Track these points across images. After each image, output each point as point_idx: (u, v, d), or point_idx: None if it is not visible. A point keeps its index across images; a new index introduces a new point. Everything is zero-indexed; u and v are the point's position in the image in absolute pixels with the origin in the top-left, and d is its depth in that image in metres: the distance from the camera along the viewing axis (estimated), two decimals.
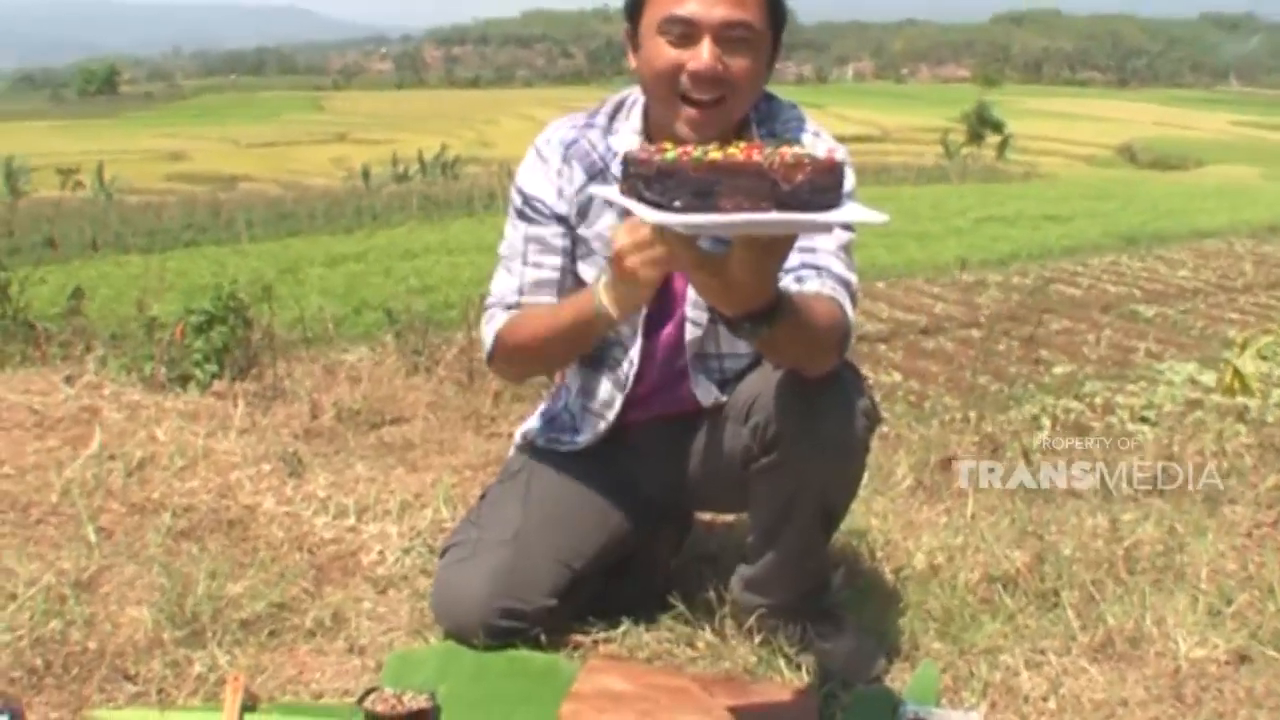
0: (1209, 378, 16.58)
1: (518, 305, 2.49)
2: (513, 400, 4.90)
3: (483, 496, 2.72)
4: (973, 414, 5.50)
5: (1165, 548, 3.16)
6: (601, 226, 2.43)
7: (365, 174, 53.39)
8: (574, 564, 2.51)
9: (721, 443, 2.47)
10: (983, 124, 62.56)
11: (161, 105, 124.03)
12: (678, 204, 1.73)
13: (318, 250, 31.09)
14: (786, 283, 2.18)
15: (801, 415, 2.27)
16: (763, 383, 2.34)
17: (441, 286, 23.01)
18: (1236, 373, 4.35)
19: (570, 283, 2.48)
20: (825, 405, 2.27)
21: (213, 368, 5.12)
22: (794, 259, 2.22)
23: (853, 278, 2.38)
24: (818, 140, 2.42)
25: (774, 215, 1.74)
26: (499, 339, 2.49)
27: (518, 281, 2.49)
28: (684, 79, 2.25)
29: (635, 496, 2.61)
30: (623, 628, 2.60)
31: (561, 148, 2.47)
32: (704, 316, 2.45)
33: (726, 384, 2.51)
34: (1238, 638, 2.62)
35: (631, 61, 2.38)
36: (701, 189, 1.73)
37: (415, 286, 22.82)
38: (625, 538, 2.60)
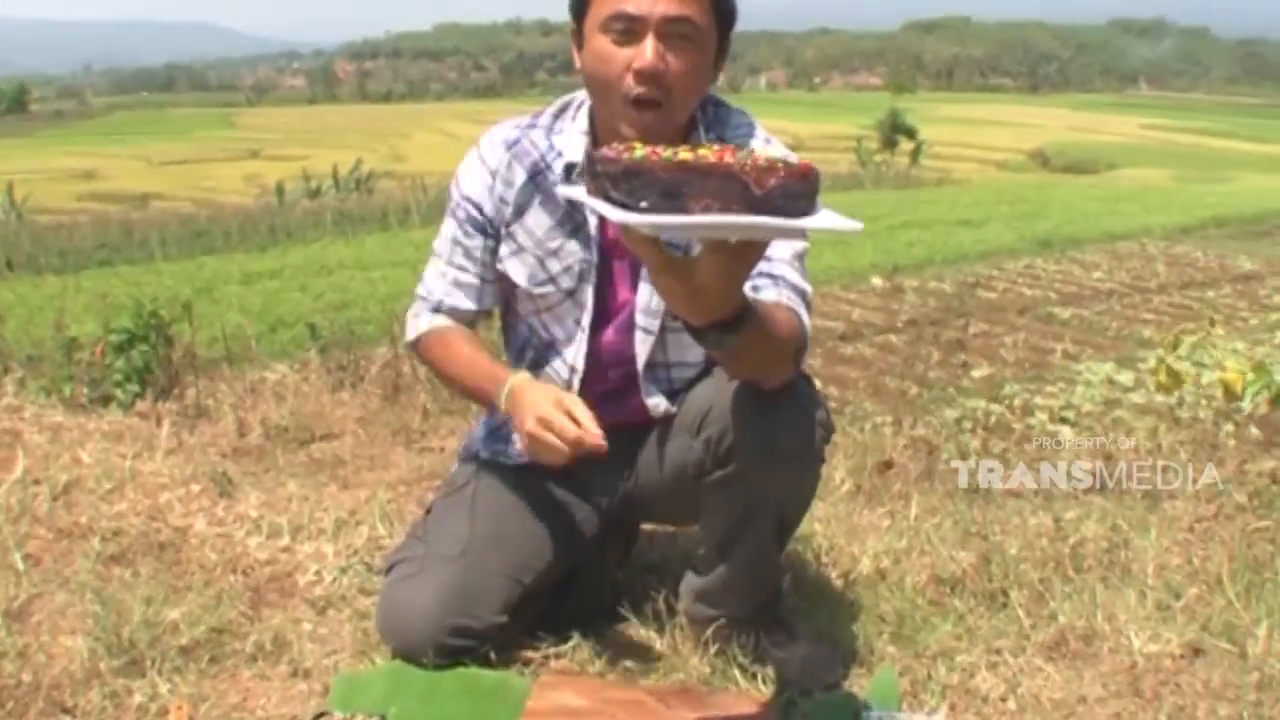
0: (1126, 377, 16.80)
1: (440, 306, 2.51)
2: (442, 414, 4.82)
3: (428, 511, 2.64)
4: (905, 419, 5.47)
5: (1110, 544, 3.15)
6: (533, 224, 2.41)
7: (279, 191, 52.79)
8: (524, 578, 2.44)
9: (671, 454, 2.42)
10: (896, 131, 63.00)
11: (72, 124, 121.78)
12: (644, 204, 1.69)
13: (233, 268, 30.62)
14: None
15: (757, 428, 2.22)
16: (715, 394, 2.29)
17: (358, 302, 22.78)
18: (1170, 370, 4.36)
19: (489, 296, 2.50)
20: (781, 417, 2.23)
21: (134, 387, 4.98)
22: None
23: (808, 287, 2.35)
24: (769, 147, 2.37)
25: (745, 218, 1.69)
26: (419, 343, 2.55)
27: (442, 282, 2.50)
28: (628, 78, 2.22)
29: (584, 507, 2.55)
30: (572, 641, 2.54)
31: (504, 147, 2.43)
32: (655, 324, 2.42)
33: (675, 394, 2.47)
34: (1189, 631, 2.61)
35: (577, 61, 2.34)
36: (670, 189, 1.68)
37: (332, 302, 22.51)
38: (574, 549, 2.54)
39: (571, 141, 2.39)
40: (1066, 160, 70.93)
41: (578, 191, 1.88)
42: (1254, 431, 4.42)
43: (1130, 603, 2.75)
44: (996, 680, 2.43)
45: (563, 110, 2.46)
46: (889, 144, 62.37)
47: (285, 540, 3.11)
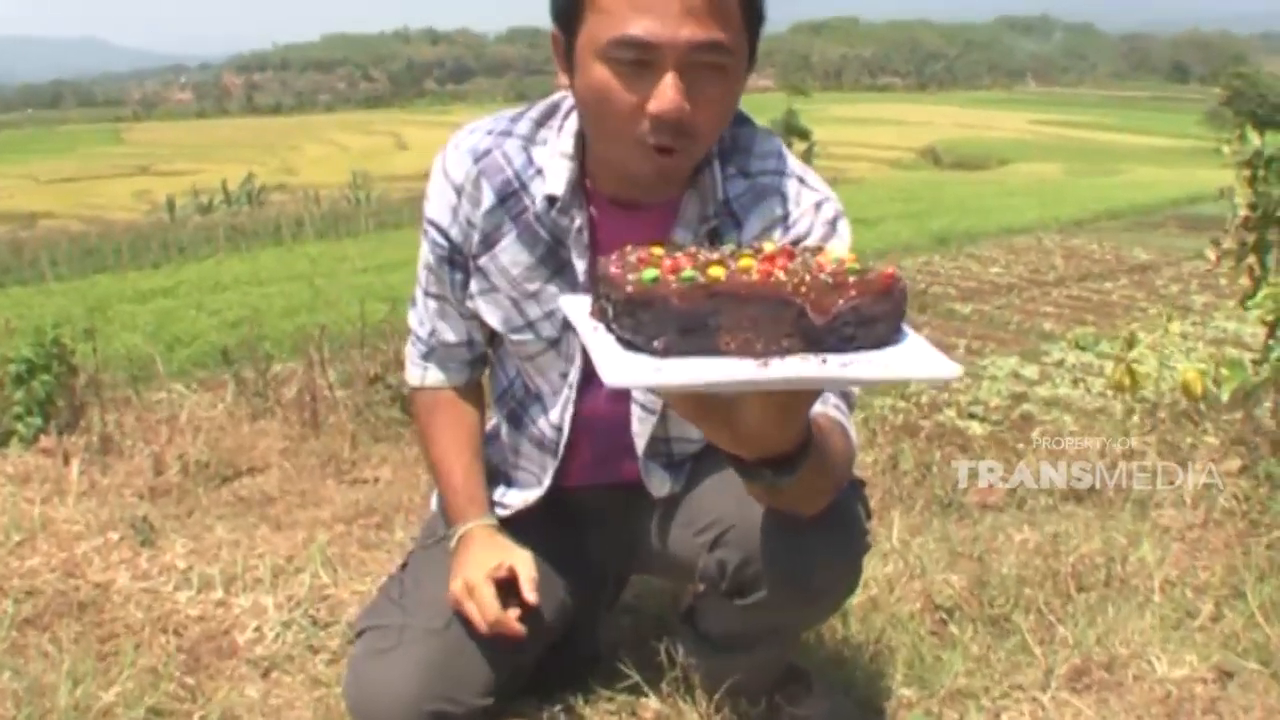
0: (1031, 371, 16.97)
1: (430, 338, 2.12)
2: (372, 441, 4.54)
3: (404, 565, 2.25)
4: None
5: (1105, 559, 2.98)
6: (506, 260, 1.97)
7: (170, 206, 51.99)
8: (516, 653, 2.08)
9: (676, 551, 2.09)
10: (790, 132, 63.45)
11: None
12: (657, 344, 1.29)
13: (125, 286, 30.13)
14: None
15: (789, 564, 1.85)
16: (729, 503, 1.90)
17: (255, 318, 22.42)
18: (1130, 370, 4.20)
19: (475, 329, 2.10)
20: (822, 551, 1.85)
21: (37, 421, 4.64)
22: None
23: (855, 391, 1.96)
24: (803, 189, 1.94)
25: (794, 369, 1.29)
26: (413, 400, 2.23)
27: (424, 312, 2.12)
28: (642, 123, 1.73)
29: (581, 563, 2.22)
30: (558, 706, 2.27)
31: (471, 158, 1.97)
32: (657, 402, 2.02)
33: (675, 467, 2.11)
34: (1213, 652, 2.48)
35: (562, 80, 1.84)
36: (691, 324, 1.29)
37: (228, 320, 22.11)
38: (571, 612, 2.20)
39: (553, 167, 1.92)
40: (957, 157, 72.10)
41: (578, 315, 1.48)
42: (1209, 430, 4.31)
43: (1144, 624, 2.59)
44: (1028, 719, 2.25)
45: (548, 115, 1.98)
46: (785, 145, 62.73)
47: (218, 593, 2.80)
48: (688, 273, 1.32)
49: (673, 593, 2.63)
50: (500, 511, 2.16)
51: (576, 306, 1.48)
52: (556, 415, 2.07)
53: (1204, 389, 4.01)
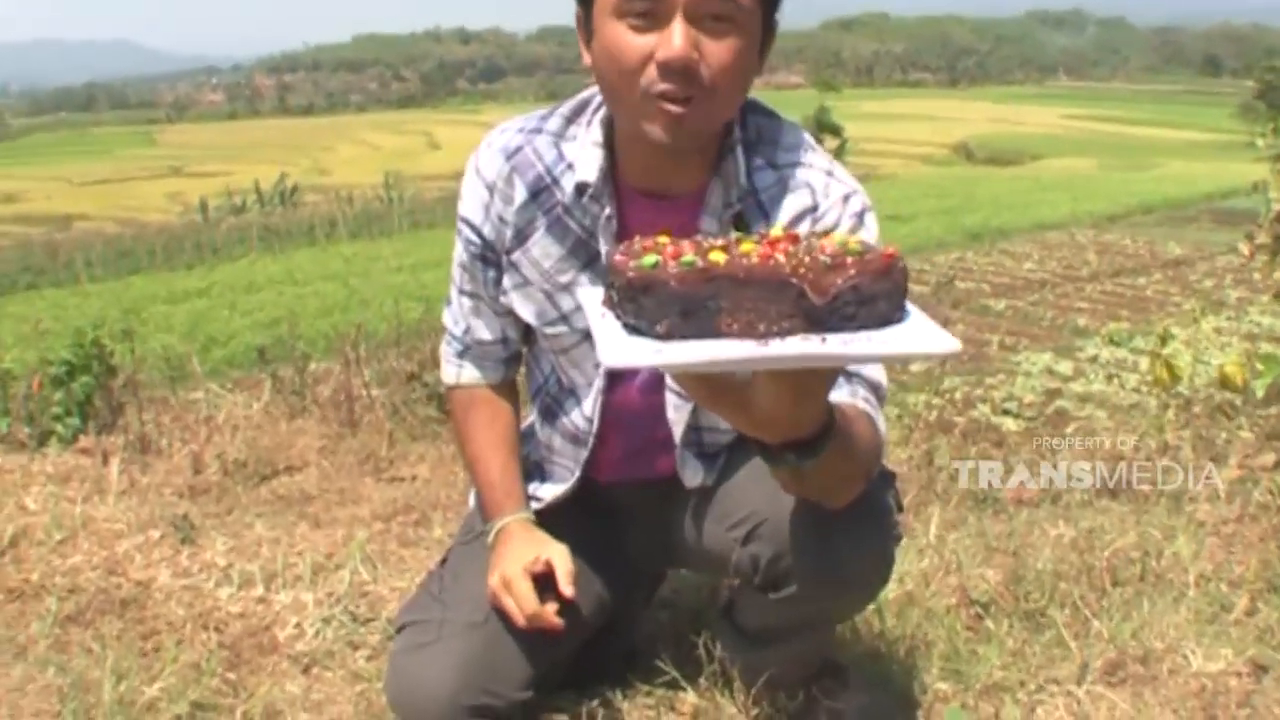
0: (1065, 366, 16.86)
1: (465, 336, 2.14)
2: (409, 440, 4.56)
3: (444, 561, 2.28)
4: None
5: (1141, 554, 2.98)
6: (538, 253, 2.00)
7: (203, 207, 52.20)
8: (553, 647, 2.10)
9: (710, 544, 2.09)
10: (822, 128, 63.16)
11: None
12: (660, 328, 1.30)
13: (159, 288, 30.26)
14: None
15: (821, 556, 1.86)
16: (761, 497, 1.91)
17: (289, 318, 22.53)
18: (1168, 364, 4.20)
19: (511, 326, 2.12)
20: (851, 543, 1.85)
21: (76, 421, 4.68)
22: None
23: (884, 379, 1.93)
24: (831, 181, 1.95)
25: (792, 347, 1.30)
26: (449, 397, 2.24)
27: (458, 310, 2.14)
28: (650, 70, 1.76)
29: (618, 559, 2.23)
30: (596, 701, 2.28)
31: (502, 156, 2.00)
32: None
33: (708, 458, 2.11)
34: (1247, 646, 2.47)
35: (586, 58, 1.87)
36: (691, 307, 1.30)
37: (262, 320, 22.21)
38: (608, 607, 2.22)
39: (584, 156, 1.95)
40: (990, 152, 71.58)
41: (590, 307, 1.47)
42: (1244, 425, 4.30)
43: (1179, 618, 2.59)
44: (1063, 713, 2.26)
45: (578, 112, 2.01)
46: (816, 142, 62.49)
47: (259, 590, 2.84)
48: (688, 258, 1.32)
49: (710, 587, 2.65)
50: (534, 505, 2.18)
51: (592, 298, 1.48)
52: (589, 407, 2.09)
53: (1245, 380, 4.01)
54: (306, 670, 2.49)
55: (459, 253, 2.10)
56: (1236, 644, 2.47)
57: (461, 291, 2.12)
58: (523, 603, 1.96)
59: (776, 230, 1.46)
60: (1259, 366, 3.80)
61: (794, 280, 1.30)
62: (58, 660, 2.40)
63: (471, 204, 2.04)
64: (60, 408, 4.75)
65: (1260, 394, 3.74)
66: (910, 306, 1.38)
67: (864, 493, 1.80)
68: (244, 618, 2.71)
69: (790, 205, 1.93)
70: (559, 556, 2.01)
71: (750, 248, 1.35)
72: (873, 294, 1.32)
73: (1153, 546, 3.03)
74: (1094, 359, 17.44)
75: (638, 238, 1.44)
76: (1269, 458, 3.91)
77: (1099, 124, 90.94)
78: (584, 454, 2.13)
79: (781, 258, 1.33)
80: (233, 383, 7.85)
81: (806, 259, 1.32)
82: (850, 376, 1.86)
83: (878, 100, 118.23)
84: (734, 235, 1.46)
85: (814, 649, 2.15)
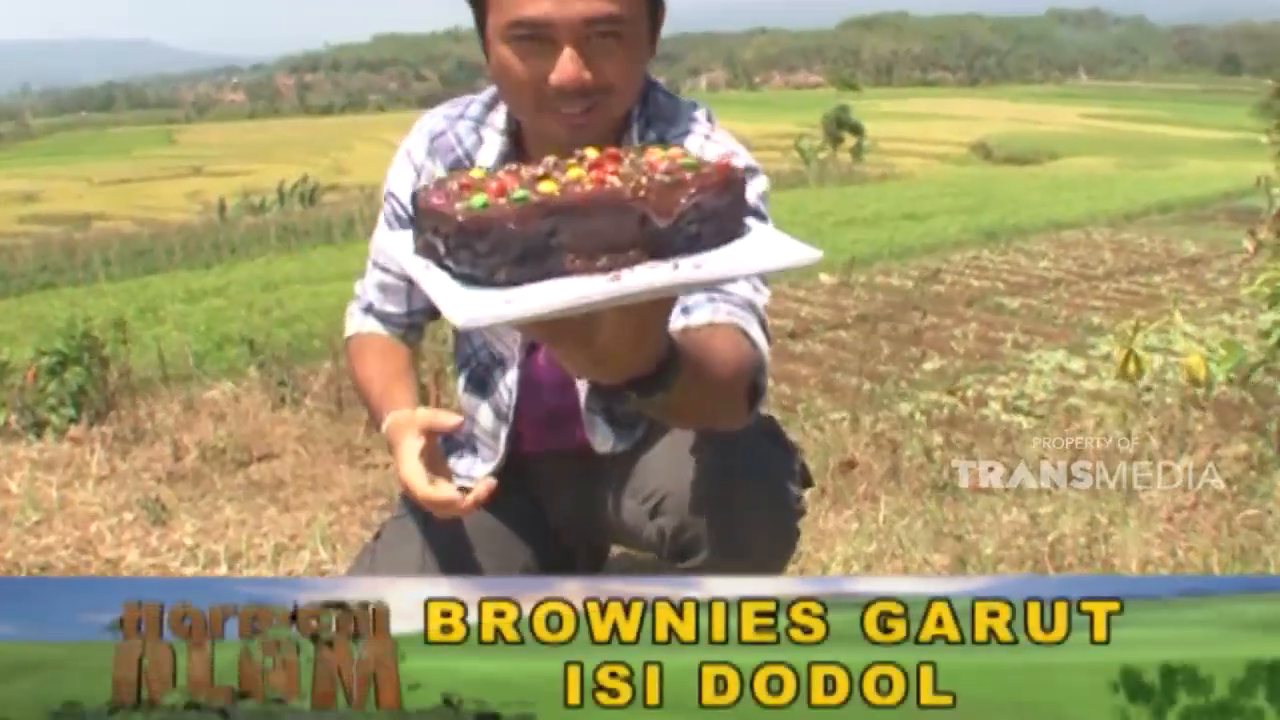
0: (1078, 364, 16.88)
1: (370, 308, 2.19)
2: None
3: (377, 535, 2.31)
4: (867, 417, 5.34)
5: (1088, 540, 3.04)
6: None
7: (221, 207, 52.44)
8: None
9: (625, 517, 2.13)
10: (841, 127, 63.13)
11: (11, 145, 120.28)
12: (500, 275, 1.19)
13: (177, 286, 30.45)
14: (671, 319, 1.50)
15: (721, 522, 1.90)
16: (666, 470, 1.96)
17: (305, 316, 22.58)
18: (1134, 357, 4.24)
19: (421, 298, 2.12)
20: (749, 506, 1.90)
21: (69, 412, 4.78)
22: None
23: (760, 297, 1.86)
24: (708, 144, 1.95)
25: (637, 280, 1.21)
26: (347, 346, 2.25)
27: (370, 281, 2.20)
28: (545, 89, 1.81)
29: (542, 529, 2.28)
30: None
31: (428, 139, 2.11)
32: None
33: (619, 424, 2.12)
34: None
35: (489, 70, 1.94)
36: (531, 248, 1.19)
37: (278, 318, 22.31)
38: (534, 574, 2.25)
39: (491, 142, 2.04)
40: (1008, 151, 71.47)
41: (402, 251, 1.35)
42: (1209, 417, 4.35)
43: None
44: None
45: (497, 99, 2.05)
46: (833, 141, 62.46)
47: (223, 569, 2.95)
48: (519, 192, 1.21)
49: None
50: (460, 482, 2.22)
51: (400, 245, 1.35)
52: (511, 378, 2.14)
53: (1207, 373, 4.06)
54: None
55: (380, 224, 2.17)
56: None
57: (375, 264, 2.18)
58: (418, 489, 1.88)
59: (592, 152, 1.36)
60: (1221, 353, 3.86)
61: (635, 205, 1.22)
62: None
63: (399, 179, 2.12)
64: (53, 398, 4.85)
65: (1220, 379, 3.80)
66: (749, 220, 1.33)
67: (765, 466, 1.88)
68: None
69: None
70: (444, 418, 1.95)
71: (578, 173, 1.27)
72: (715, 210, 1.26)
73: (1100, 532, 3.09)
74: (1106, 357, 17.40)
75: (441, 175, 1.40)
76: (1240, 448, 3.97)
77: (1118, 123, 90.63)
78: (505, 428, 2.18)
79: (617, 180, 1.24)
80: (238, 380, 7.95)
81: (644, 180, 1.24)
82: (714, 297, 1.80)
83: (897, 100, 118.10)
84: (550, 160, 1.35)
85: None
